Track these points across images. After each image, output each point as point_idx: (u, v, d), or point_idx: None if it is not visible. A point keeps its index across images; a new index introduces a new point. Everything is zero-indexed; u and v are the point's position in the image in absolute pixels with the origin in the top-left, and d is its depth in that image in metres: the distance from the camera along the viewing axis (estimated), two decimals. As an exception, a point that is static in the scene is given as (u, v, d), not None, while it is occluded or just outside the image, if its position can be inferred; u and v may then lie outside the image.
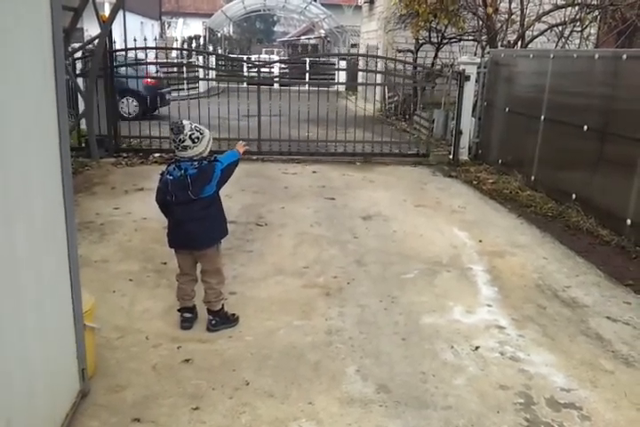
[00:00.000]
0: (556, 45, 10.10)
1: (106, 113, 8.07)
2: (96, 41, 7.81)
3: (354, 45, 22.03)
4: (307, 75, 10.85)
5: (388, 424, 2.66)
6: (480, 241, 5.17)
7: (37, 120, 2.23)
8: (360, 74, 14.17)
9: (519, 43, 10.30)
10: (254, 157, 8.42)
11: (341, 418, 2.70)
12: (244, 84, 9.50)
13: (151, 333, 3.32)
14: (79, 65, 9.14)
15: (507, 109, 7.85)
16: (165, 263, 4.30)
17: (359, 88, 16.97)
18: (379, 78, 12.29)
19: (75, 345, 2.56)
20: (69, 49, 7.94)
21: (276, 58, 22.68)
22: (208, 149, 3.25)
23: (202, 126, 3.28)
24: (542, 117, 6.80)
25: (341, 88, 15.52)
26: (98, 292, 3.48)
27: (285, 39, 41.19)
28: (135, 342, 3.24)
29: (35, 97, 2.21)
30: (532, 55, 7.57)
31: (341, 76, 13.57)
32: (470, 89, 8.64)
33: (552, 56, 6.80)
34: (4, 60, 1.94)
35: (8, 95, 1.97)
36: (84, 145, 8.01)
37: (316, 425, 2.64)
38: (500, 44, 10.49)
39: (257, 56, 26.92)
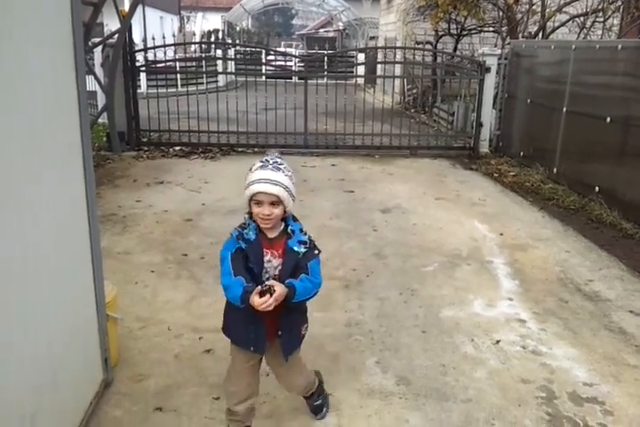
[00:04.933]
0: (578, 36, 9.93)
1: (125, 107, 8.13)
2: (116, 36, 7.87)
3: (372, 38, 21.88)
4: (325, 68, 10.77)
5: (407, 416, 2.66)
6: (501, 234, 5.13)
7: (60, 113, 2.25)
8: (379, 66, 14.08)
9: (540, 34, 10.14)
10: (273, 151, 8.42)
11: (361, 410, 2.70)
12: (263, 78, 9.50)
13: (173, 323, 3.35)
14: (99, 60, 9.23)
15: (528, 101, 7.75)
16: (186, 255, 4.34)
17: (378, 81, 16.89)
18: (397, 71, 12.22)
19: (98, 335, 2.59)
20: (90, 44, 8.01)
21: (294, 51, 22.68)
22: None
23: None
24: (564, 109, 6.70)
25: (360, 81, 15.44)
26: (120, 283, 3.52)
27: (304, 32, 41.06)
28: (157, 333, 3.27)
29: (57, 90, 2.23)
30: (553, 46, 7.46)
31: (360, 69, 13.48)
32: (491, 81, 8.55)
33: (574, 47, 6.69)
34: (26, 54, 1.96)
35: (31, 89, 2.00)
36: (105, 139, 8.09)
37: (335, 416, 2.65)
38: (520, 35, 10.34)
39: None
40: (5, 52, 1.80)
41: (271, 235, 2.12)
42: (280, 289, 1.98)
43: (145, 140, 8.47)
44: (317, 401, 2.63)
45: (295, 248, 2.09)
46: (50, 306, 2.12)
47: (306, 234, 2.14)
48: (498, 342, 3.32)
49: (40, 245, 2.06)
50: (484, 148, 8.67)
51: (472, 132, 8.83)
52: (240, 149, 8.41)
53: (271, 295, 1.95)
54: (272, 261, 2.11)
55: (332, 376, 2.94)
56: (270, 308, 1.94)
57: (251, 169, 2.09)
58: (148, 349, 3.09)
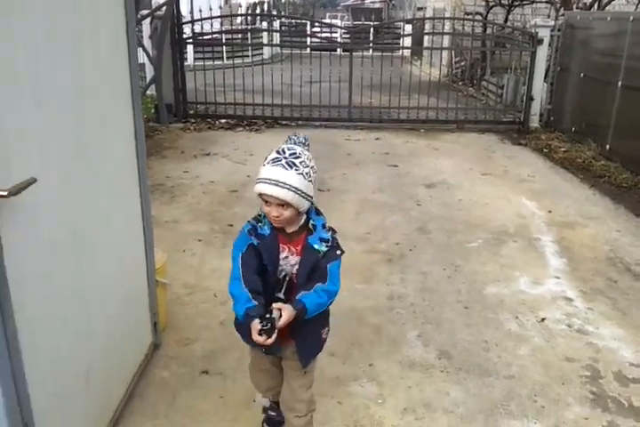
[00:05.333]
0: (636, 8, 9.44)
1: (173, 79, 8.20)
2: (164, 8, 7.89)
3: (420, 9, 21.31)
4: (371, 40, 10.57)
5: (448, 389, 2.67)
6: (549, 211, 5.01)
7: (113, 83, 2.30)
8: (426, 38, 13.73)
9: (596, 5, 9.68)
10: (317, 124, 8.40)
11: (402, 381, 2.73)
12: (308, 50, 9.41)
13: (219, 290, 3.42)
14: (147, 32, 9.30)
15: (581, 75, 7.46)
16: (231, 225, 4.40)
17: (425, 53, 16.50)
18: (445, 42, 11.89)
19: (148, 300, 2.68)
20: (138, 15, 8.06)
21: (339, 23, 22.33)
22: None
23: None
24: (619, 83, 6.42)
25: (406, 53, 15.12)
26: (169, 251, 3.58)
27: (349, 3, 40.30)
28: (204, 299, 3.36)
29: (110, 61, 2.26)
30: (609, 18, 7.12)
31: (407, 41, 13.18)
32: (543, 53, 8.25)
33: (631, 19, 6.37)
34: (83, 24, 1.99)
35: (89, 62, 2.03)
36: (153, 111, 8.20)
37: (376, 386, 2.68)
38: (575, 6, 9.90)
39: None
40: (67, 22, 1.85)
41: (289, 229, 1.87)
42: (286, 316, 1.73)
43: (192, 112, 8.56)
44: None
45: (316, 246, 1.83)
46: (106, 270, 2.20)
47: (329, 230, 1.88)
48: (543, 319, 3.28)
49: (99, 213, 2.14)
50: (534, 122, 8.42)
51: (522, 106, 8.58)
52: (284, 122, 8.42)
53: (269, 335, 1.69)
54: (289, 259, 1.86)
55: (372, 347, 2.98)
56: (269, 342, 1.70)
57: (266, 159, 1.81)
58: (194, 314, 3.17)
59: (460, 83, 12.31)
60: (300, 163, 1.78)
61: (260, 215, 1.88)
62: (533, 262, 4.03)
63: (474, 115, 8.67)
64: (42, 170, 1.65)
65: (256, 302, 1.76)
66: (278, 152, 1.80)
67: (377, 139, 7.72)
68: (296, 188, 1.75)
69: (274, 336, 1.70)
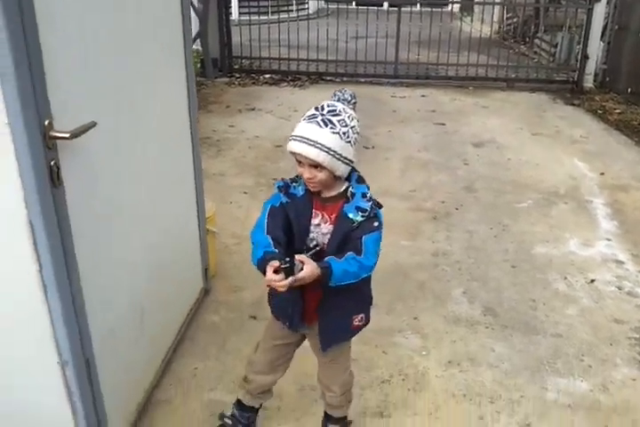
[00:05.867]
0: None
1: (218, 34, 8.12)
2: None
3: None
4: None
5: (493, 345, 2.67)
6: (602, 174, 4.85)
7: (170, 35, 2.30)
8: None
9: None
10: (362, 80, 8.24)
11: (446, 335, 2.74)
12: (354, 5, 9.12)
13: (265, 242, 3.46)
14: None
15: (643, 33, 7.06)
16: (276, 179, 4.38)
17: (475, 8, 15.84)
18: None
19: (199, 246, 2.73)
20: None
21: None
22: None
23: None
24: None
25: (456, 8, 14.55)
26: (216, 202, 3.63)
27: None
28: (250, 249, 3.39)
29: (165, 14, 2.25)
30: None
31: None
32: (600, 10, 7.81)
33: None
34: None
35: (145, 14, 2.03)
36: (199, 65, 8.16)
37: (420, 338, 2.70)
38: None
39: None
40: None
41: (326, 194, 1.70)
42: (309, 270, 1.53)
43: (237, 66, 8.48)
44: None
45: (350, 215, 1.64)
46: (160, 214, 2.24)
47: (370, 200, 1.66)
48: (592, 281, 3.23)
49: (155, 161, 2.17)
50: (589, 82, 8.06)
51: (576, 65, 8.20)
52: (329, 78, 8.27)
53: (288, 275, 1.52)
54: (321, 227, 1.69)
55: (417, 302, 2.99)
56: (283, 289, 1.52)
57: (304, 115, 1.65)
58: (242, 263, 3.22)
59: (512, 40, 11.83)
60: (339, 121, 1.59)
61: (297, 176, 1.71)
62: (584, 224, 3.93)
63: (525, 73, 8.35)
64: (101, 116, 1.66)
65: (276, 250, 1.60)
66: (317, 108, 1.63)
67: (423, 96, 7.54)
68: (329, 148, 1.57)
69: (289, 281, 1.51)
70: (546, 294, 3.09)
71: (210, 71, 7.87)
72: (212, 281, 2.96)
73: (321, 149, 1.57)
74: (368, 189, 1.71)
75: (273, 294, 1.82)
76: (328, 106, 1.63)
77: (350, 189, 1.69)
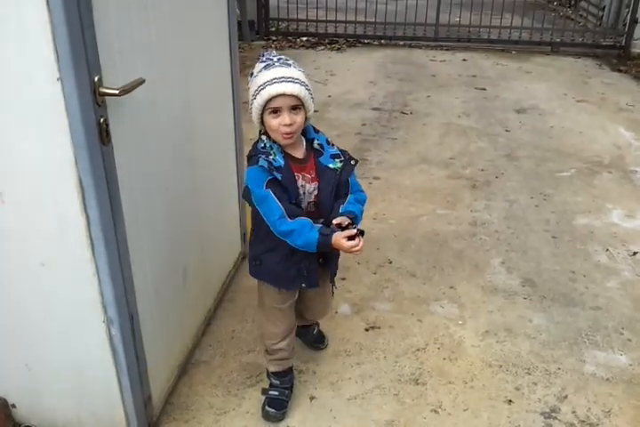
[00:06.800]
0: None
1: (255, -5, 7.96)
2: None
3: None
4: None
5: (531, 316, 2.64)
6: (649, 143, 4.68)
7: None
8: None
9: None
10: (401, 43, 8.02)
11: (483, 305, 2.72)
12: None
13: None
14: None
15: None
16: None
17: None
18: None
19: (238, 211, 2.75)
20: None
21: None
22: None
23: None
24: None
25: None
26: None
27: None
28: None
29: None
30: None
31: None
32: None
33: None
34: None
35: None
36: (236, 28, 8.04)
37: (457, 307, 2.69)
38: None
39: None
40: None
41: (298, 154, 1.73)
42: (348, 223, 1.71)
43: (273, 29, 8.34)
44: (316, 329, 2.38)
45: (331, 165, 1.73)
46: (201, 176, 2.25)
47: (333, 145, 1.79)
48: (635, 253, 3.15)
49: (198, 122, 2.17)
50: (637, 48, 7.69)
51: (624, 29, 7.82)
52: (367, 41, 8.07)
53: (361, 236, 1.68)
54: (305, 186, 1.74)
55: (454, 271, 2.97)
56: (362, 244, 1.67)
57: (252, 73, 1.68)
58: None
59: (557, 3, 11.33)
60: (294, 63, 1.68)
61: (263, 147, 1.69)
62: (628, 195, 3.82)
63: (570, 37, 8.01)
64: (149, 74, 1.65)
65: (320, 224, 1.69)
66: (264, 60, 1.68)
67: (464, 60, 7.31)
68: (303, 81, 1.64)
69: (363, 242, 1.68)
70: (586, 265, 3.03)
71: (247, 34, 7.75)
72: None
73: (301, 84, 1.63)
74: (324, 135, 1.81)
75: (269, 267, 1.85)
76: (273, 55, 1.70)
77: (316, 141, 1.76)
